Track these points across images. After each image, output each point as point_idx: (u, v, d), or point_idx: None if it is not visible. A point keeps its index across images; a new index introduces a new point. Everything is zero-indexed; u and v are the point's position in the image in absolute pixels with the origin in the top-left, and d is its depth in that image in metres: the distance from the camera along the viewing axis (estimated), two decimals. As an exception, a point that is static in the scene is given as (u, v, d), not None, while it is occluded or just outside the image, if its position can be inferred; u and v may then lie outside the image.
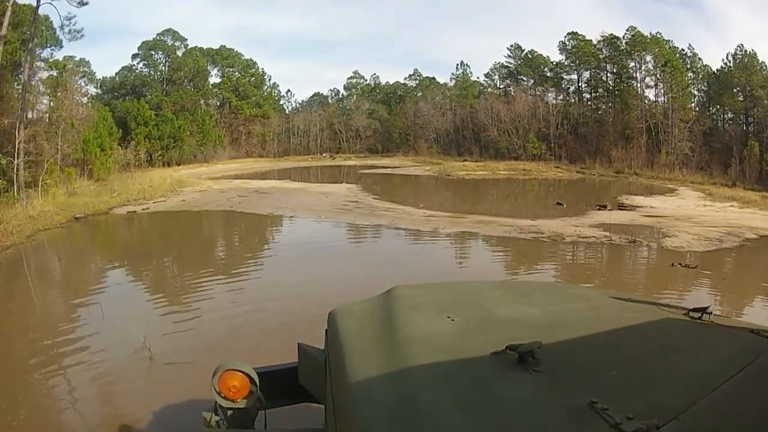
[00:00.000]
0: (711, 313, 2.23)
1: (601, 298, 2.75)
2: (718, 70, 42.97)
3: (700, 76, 44.27)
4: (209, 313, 8.46)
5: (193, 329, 7.77)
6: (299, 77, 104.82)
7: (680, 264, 11.90)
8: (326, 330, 2.43)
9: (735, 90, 41.37)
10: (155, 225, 19.93)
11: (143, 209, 21.71)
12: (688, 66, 44.46)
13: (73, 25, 26.94)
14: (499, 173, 40.29)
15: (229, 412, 2.53)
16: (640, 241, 13.97)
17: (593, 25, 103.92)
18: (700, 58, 44.59)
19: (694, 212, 20.57)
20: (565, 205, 21.42)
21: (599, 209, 20.11)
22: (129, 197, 24.25)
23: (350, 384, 1.80)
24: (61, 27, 27.34)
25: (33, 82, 30.21)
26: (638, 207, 21.38)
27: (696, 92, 44.66)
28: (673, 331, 2.15)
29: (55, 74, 34.49)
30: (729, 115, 42.84)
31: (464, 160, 48.12)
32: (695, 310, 2.27)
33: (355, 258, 13.03)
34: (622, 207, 21.02)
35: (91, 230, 18.93)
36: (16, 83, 27.79)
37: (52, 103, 32.96)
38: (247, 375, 2.46)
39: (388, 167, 45.63)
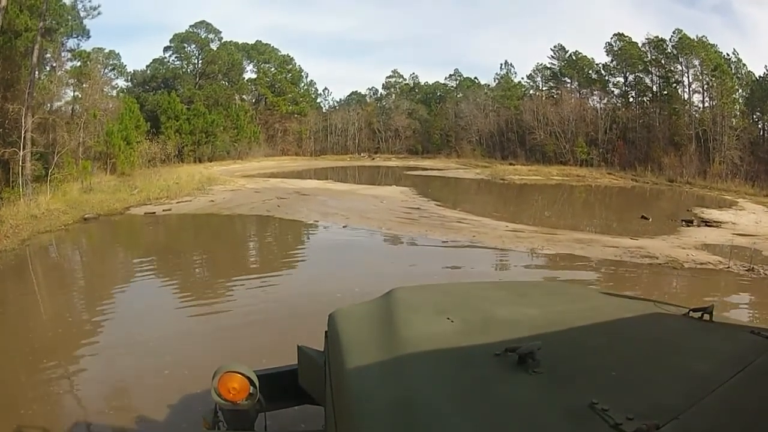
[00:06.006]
0: (711, 313, 2.16)
1: (600, 298, 2.72)
2: (760, 77, 40.56)
3: (744, 82, 41.95)
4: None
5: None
6: (336, 76, 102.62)
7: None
8: (326, 332, 2.35)
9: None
10: (173, 232, 16.57)
11: (164, 210, 18.59)
12: (734, 71, 42.08)
13: (89, 1, 25.38)
14: (553, 178, 37.73)
15: (229, 414, 2.40)
16: (757, 269, 12.07)
17: (633, 29, 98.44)
18: (744, 64, 41.98)
19: (777, 230, 18.84)
20: (650, 219, 19.16)
21: (687, 225, 18.42)
22: (150, 195, 21.44)
23: (349, 385, 1.78)
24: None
25: (59, 73, 28.26)
26: (722, 223, 19.39)
27: (740, 99, 42.37)
28: (673, 331, 2.12)
29: (78, 64, 32.33)
30: (769, 124, 40.73)
31: (511, 164, 45.70)
32: (695, 310, 2.22)
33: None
34: (707, 223, 19.28)
35: (97, 235, 15.79)
36: (41, 73, 25.85)
37: (76, 93, 30.94)
38: (247, 377, 2.33)
39: (433, 169, 42.81)
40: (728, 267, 12.17)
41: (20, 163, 18.64)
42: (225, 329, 7.17)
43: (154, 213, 18.00)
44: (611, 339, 1.99)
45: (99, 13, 25.42)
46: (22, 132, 18.86)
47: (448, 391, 1.61)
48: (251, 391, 2.32)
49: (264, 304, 8.51)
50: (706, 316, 2.16)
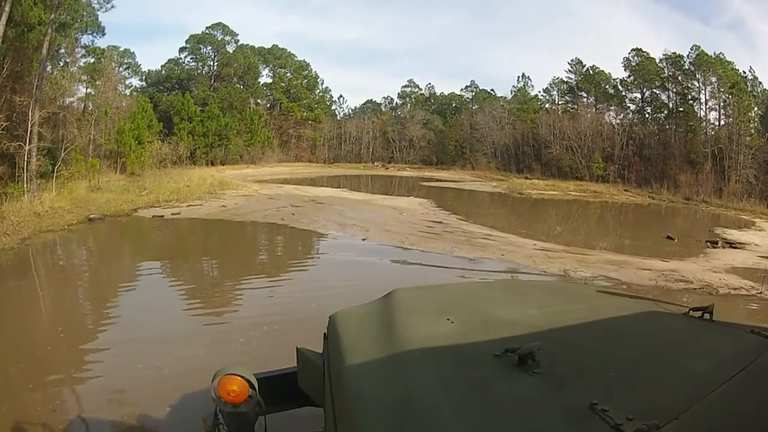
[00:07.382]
0: (711, 312, 2.12)
1: (600, 297, 2.70)
2: (774, 94, 40.30)
3: (760, 100, 41.56)
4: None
5: None
6: (352, 84, 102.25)
7: None
8: (325, 333, 2.36)
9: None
10: (181, 238, 15.58)
11: (173, 214, 17.69)
12: (750, 89, 41.71)
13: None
14: (570, 194, 36.85)
15: (229, 417, 2.36)
16: (790, 296, 11.61)
17: (650, 45, 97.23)
18: (760, 82, 41.63)
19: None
20: (675, 240, 18.58)
21: (713, 246, 18.01)
22: (160, 197, 20.57)
23: (349, 386, 1.77)
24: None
25: (72, 69, 27.71)
26: (745, 244, 18.98)
27: (756, 117, 42.01)
28: (673, 331, 2.09)
29: (92, 61, 31.84)
30: (782, 142, 40.20)
31: (527, 177, 45.14)
32: (696, 309, 2.18)
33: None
34: (731, 244, 18.89)
35: (102, 238, 14.89)
36: (55, 68, 25.26)
37: (88, 90, 30.42)
38: (247, 379, 2.29)
39: (448, 181, 42.11)
40: (760, 292, 11.80)
41: (25, 158, 17.86)
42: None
43: (163, 216, 17.11)
44: (611, 339, 1.98)
45: (112, 6, 25.36)
46: (29, 126, 18.12)
47: (448, 391, 1.58)
48: (251, 394, 2.28)
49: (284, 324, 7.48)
50: (707, 316, 2.13)
